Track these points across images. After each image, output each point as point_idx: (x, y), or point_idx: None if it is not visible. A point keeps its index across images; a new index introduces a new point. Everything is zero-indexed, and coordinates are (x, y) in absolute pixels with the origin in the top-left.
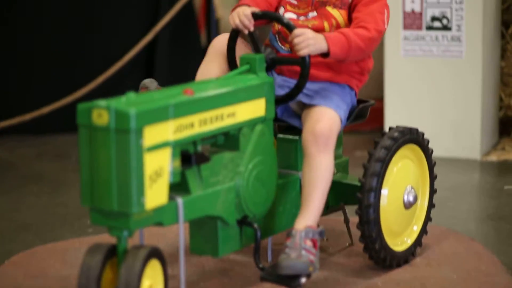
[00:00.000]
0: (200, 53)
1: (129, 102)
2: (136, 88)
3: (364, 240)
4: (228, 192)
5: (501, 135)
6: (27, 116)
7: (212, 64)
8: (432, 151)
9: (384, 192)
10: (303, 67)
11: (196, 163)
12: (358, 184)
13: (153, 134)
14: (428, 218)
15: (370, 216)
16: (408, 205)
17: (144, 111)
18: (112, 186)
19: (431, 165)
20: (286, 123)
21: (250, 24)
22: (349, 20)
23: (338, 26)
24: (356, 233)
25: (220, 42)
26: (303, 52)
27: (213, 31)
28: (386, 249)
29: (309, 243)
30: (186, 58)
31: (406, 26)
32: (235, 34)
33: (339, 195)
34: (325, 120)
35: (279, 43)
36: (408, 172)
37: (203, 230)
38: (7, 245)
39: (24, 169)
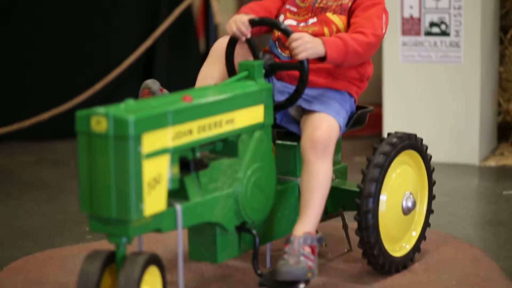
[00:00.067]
0: (199, 59)
1: (127, 109)
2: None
3: (363, 246)
4: (226, 198)
5: (500, 141)
6: (26, 123)
7: (213, 67)
8: (431, 157)
9: (383, 198)
10: (301, 71)
11: (195, 170)
12: (357, 190)
13: (152, 141)
14: (426, 224)
15: (369, 221)
16: (406, 211)
17: (143, 118)
18: (111, 193)
19: (429, 171)
20: (285, 129)
21: (247, 31)
22: (349, 26)
23: (338, 32)
24: (355, 238)
25: (222, 44)
26: (301, 56)
27: (211, 37)
28: (385, 254)
29: (307, 249)
30: (185, 64)
31: (404, 32)
32: (232, 42)
33: (338, 201)
34: (323, 127)
35: (279, 50)
36: (406, 178)
37: (202, 237)
38: (6, 252)
39: (23, 175)
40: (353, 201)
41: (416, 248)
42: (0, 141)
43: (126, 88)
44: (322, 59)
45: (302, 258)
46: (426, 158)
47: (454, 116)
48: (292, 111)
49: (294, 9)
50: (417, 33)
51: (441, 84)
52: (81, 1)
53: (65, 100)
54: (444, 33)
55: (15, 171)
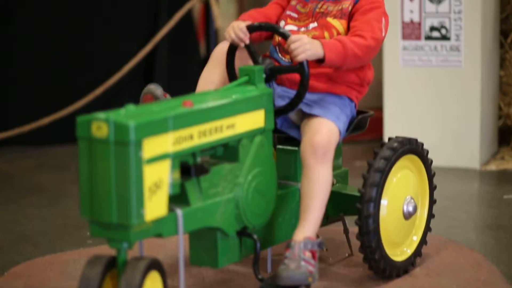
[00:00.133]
0: (199, 64)
1: (128, 114)
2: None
3: (364, 250)
4: (227, 203)
5: (500, 144)
6: (26, 127)
7: (213, 71)
8: (432, 161)
9: (384, 202)
10: (302, 74)
11: (196, 175)
12: (358, 194)
13: (153, 146)
14: (427, 228)
15: (370, 226)
16: (407, 215)
17: (143, 123)
18: (112, 198)
19: (430, 175)
20: (285, 134)
21: (246, 37)
22: (349, 30)
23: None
24: (355, 243)
25: (222, 49)
26: (300, 57)
27: (212, 41)
28: (386, 259)
29: (308, 254)
30: (185, 68)
31: (405, 36)
32: (232, 48)
33: (339, 206)
34: (323, 132)
35: (280, 55)
36: (407, 182)
37: (203, 241)
38: (7, 257)
39: (23, 180)
40: (354, 205)
41: (417, 252)
42: (0, 146)
43: (127, 92)
44: (321, 61)
45: (302, 263)
46: (427, 163)
47: (454, 120)
48: (292, 116)
49: (294, 15)
50: (418, 38)
51: (441, 89)
52: (81, 6)
53: (65, 105)
54: (444, 38)
55: (15, 176)
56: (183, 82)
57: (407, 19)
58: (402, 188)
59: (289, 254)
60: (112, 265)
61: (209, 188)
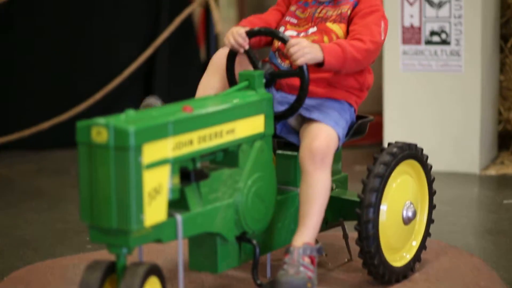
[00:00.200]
0: (199, 68)
1: (128, 119)
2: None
3: (363, 256)
4: (227, 208)
5: (500, 149)
6: (26, 132)
7: (213, 77)
8: (431, 166)
9: (383, 207)
10: (301, 78)
11: (195, 180)
12: (357, 199)
13: (152, 151)
14: (427, 234)
15: (369, 231)
16: (407, 221)
17: (143, 128)
18: (111, 204)
19: (430, 180)
20: (285, 139)
21: (245, 43)
22: (348, 34)
23: None
24: (355, 248)
25: (221, 55)
26: (300, 61)
27: (212, 46)
28: (385, 264)
29: (307, 260)
30: (186, 73)
31: (405, 41)
32: (232, 54)
33: (338, 211)
34: (322, 137)
35: (279, 60)
36: (407, 187)
37: (202, 247)
38: (7, 261)
39: (23, 184)
40: (353, 211)
41: (416, 257)
42: (0, 150)
43: (127, 97)
44: (320, 65)
45: (301, 268)
46: (427, 168)
47: (454, 125)
48: (292, 121)
49: (294, 20)
50: (418, 42)
51: (441, 93)
52: (82, 10)
53: (65, 109)
54: (444, 42)
55: (15, 180)
56: (183, 86)
57: (407, 23)
58: (402, 193)
59: (288, 260)
60: (111, 270)
61: (209, 193)
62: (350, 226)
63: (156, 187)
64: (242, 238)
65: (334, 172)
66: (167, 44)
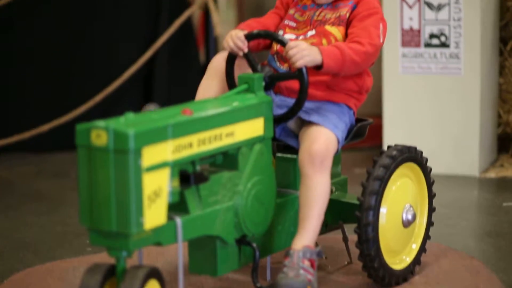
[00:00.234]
0: (199, 71)
1: (127, 122)
2: (135, 105)
3: (363, 259)
4: (226, 211)
5: (500, 152)
6: (26, 134)
7: (212, 82)
8: (431, 169)
9: (383, 210)
10: (301, 80)
11: (195, 183)
12: (357, 202)
13: (152, 154)
14: (427, 236)
15: (369, 234)
16: (407, 224)
17: (143, 131)
18: (111, 207)
19: (429, 183)
20: (284, 143)
21: (244, 46)
22: (347, 36)
23: None
24: (355, 251)
25: (220, 59)
26: (299, 63)
27: (212, 48)
28: (385, 267)
29: (307, 263)
30: (185, 75)
31: (404, 44)
32: (231, 58)
33: (338, 214)
34: (321, 140)
35: (278, 63)
36: (406, 190)
37: (202, 250)
38: (6, 264)
39: (23, 187)
40: (353, 213)
41: (416, 260)
42: (0, 153)
43: (127, 99)
44: (319, 67)
45: (301, 271)
46: (426, 171)
47: (454, 128)
48: (291, 124)
49: (293, 24)
50: (417, 45)
51: (441, 96)
52: (82, 12)
53: (65, 111)
54: (444, 45)
55: (15, 182)
56: (183, 89)
57: (406, 26)
58: (401, 196)
59: (288, 263)
60: (111, 273)
61: (209, 196)
62: (350, 229)
63: (156, 190)
64: (242, 241)
65: (333, 175)
66: (166, 47)
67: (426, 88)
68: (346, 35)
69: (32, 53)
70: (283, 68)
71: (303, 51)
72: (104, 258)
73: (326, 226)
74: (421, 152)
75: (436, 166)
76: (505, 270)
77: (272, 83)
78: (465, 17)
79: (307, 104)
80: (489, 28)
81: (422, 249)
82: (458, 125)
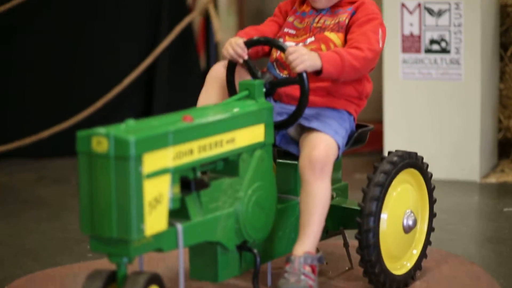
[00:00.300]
0: (199, 77)
1: (128, 129)
2: (136, 111)
3: (364, 264)
4: (227, 217)
5: (500, 157)
6: (27, 140)
7: (211, 93)
8: (432, 175)
9: (384, 216)
10: (301, 85)
11: (196, 189)
12: (358, 208)
13: (153, 161)
14: (427, 242)
15: (370, 240)
16: (407, 229)
17: (144, 138)
18: (112, 213)
19: (430, 189)
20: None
21: (244, 53)
22: (346, 42)
23: None
24: (355, 257)
25: (217, 70)
26: (299, 68)
27: (212, 54)
28: (386, 273)
29: (308, 269)
30: (186, 81)
31: (404, 49)
32: (231, 66)
33: (339, 219)
34: (321, 147)
35: (277, 71)
36: (407, 196)
37: (203, 255)
38: (7, 270)
39: (23, 193)
40: (354, 219)
41: (417, 266)
42: (1, 159)
43: (127, 105)
44: (318, 73)
45: (302, 277)
46: (427, 176)
47: (454, 133)
48: (291, 131)
49: (292, 31)
50: (417, 51)
51: (441, 101)
52: (82, 19)
53: (65, 117)
54: (444, 51)
55: (15, 189)
56: (183, 95)
57: (407, 32)
58: (402, 202)
59: (289, 268)
60: (112, 280)
61: (209, 203)
62: (350, 234)
63: (157, 196)
64: (243, 247)
65: (334, 181)
66: (167, 53)
67: (426, 94)
68: (345, 41)
69: (33, 59)
70: (283, 75)
71: (302, 56)
72: (105, 264)
73: (327, 232)
74: (422, 158)
75: (437, 172)
76: (505, 276)
77: (272, 89)
78: (465, 23)
79: (307, 111)
80: (489, 33)
81: (423, 254)
82: (459, 131)
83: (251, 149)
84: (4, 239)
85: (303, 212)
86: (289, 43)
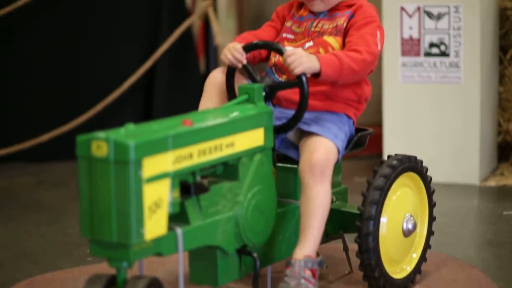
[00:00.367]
0: (199, 80)
1: (128, 133)
2: (136, 115)
3: (364, 268)
4: (227, 222)
5: (500, 160)
6: (27, 144)
7: (211, 100)
8: (431, 178)
9: (383, 220)
10: (301, 87)
11: (195, 194)
12: (357, 212)
13: (152, 165)
14: (427, 246)
15: (370, 244)
16: (407, 233)
17: (143, 142)
18: (112, 218)
19: (430, 192)
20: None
21: (242, 58)
22: (344, 46)
23: None
24: (355, 260)
25: (215, 78)
26: (297, 70)
27: (211, 58)
28: (386, 276)
29: (308, 273)
30: (185, 84)
31: (404, 53)
32: (231, 71)
33: (339, 223)
34: (321, 150)
35: (276, 75)
36: (407, 200)
37: (203, 260)
38: (7, 274)
39: (23, 197)
40: (353, 223)
41: (416, 269)
42: (1, 162)
43: (127, 109)
44: (317, 75)
45: (303, 280)
46: (426, 180)
47: (454, 136)
48: (290, 135)
49: (291, 36)
50: (417, 54)
51: (441, 105)
52: (82, 22)
53: (65, 121)
54: (443, 54)
55: (15, 192)
56: (183, 98)
57: (406, 35)
58: (402, 205)
59: (290, 272)
60: (112, 284)
61: (209, 207)
62: (350, 238)
63: (156, 201)
64: (243, 251)
65: (334, 185)
66: (167, 56)
67: (426, 97)
68: (343, 45)
69: (33, 63)
70: (282, 79)
71: (301, 58)
72: (105, 268)
73: (327, 236)
74: (421, 162)
75: (436, 175)
76: (505, 279)
77: (272, 93)
78: (465, 26)
79: (306, 115)
80: (489, 37)
81: (423, 258)
82: (458, 134)
83: (250, 153)
84: (3, 243)
85: (303, 215)
86: (288, 48)
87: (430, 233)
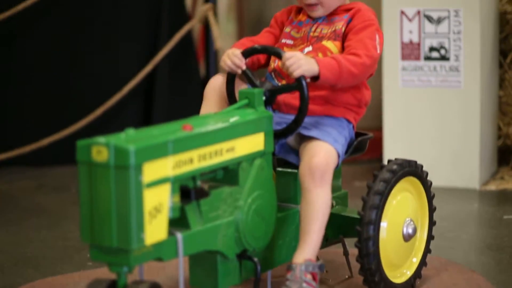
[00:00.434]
0: (199, 84)
1: (128, 138)
2: (136, 119)
3: (364, 273)
4: (227, 226)
5: (500, 164)
6: (27, 148)
7: (212, 106)
8: (431, 183)
9: (383, 224)
10: (300, 90)
11: (196, 198)
12: (357, 216)
13: (153, 170)
14: (427, 250)
15: (370, 248)
16: (407, 238)
17: (143, 147)
18: (112, 222)
19: (430, 197)
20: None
21: (242, 63)
22: (343, 50)
23: None
24: (355, 265)
25: (215, 84)
26: (297, 73)
27: (212, 62)
28: (386, 281)
29: (309, 276)
30: (186, 88)
31: (404, 57)
32: (231, 77)
33: (339, 228)
34: (321, 155)
35: (276, 80)
36: (407, 204)
37: (203, 264)
38: (7, 279)
39: (23, 201)
40: (353, 228)
41: (417, 274)
42: (0, 167)
43: (127, 113)
44: (315, 78)
45: (304, 284)
46: (427, 185)
47: (454, 141)
48: (290, 140)
49: (290, 42)
50: (417, 58)
51: (441, 109)
52: (81, 26)
53: (65, 125)
54: (443, 58)
55: (15, 197)
56: (183, 102)
57: (406, 39)
58: (402, 210)
59: (291, 276)
60: None
61: (209, 212)
62: (350, 243)
63: (157, 205)
64: (243, 255)
65: (334, 189)
66: (167, 60)
67: (426, 101)
68: (342, 49)
69: (32, 67)
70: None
71: (299, 60)
72: (105, 273)
73: (327, 240)
74: (422, 166)
75: (436, 179)
76: (505, 283)
77: (272, 97)
78: (465, 30)
79: (306, 119)
80: (489, 41)
81: (423, 262)
82: (458, 138)
83: (251, 158)
84: (4, 248)
85: (303, 220)
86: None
87: (430, 237)
